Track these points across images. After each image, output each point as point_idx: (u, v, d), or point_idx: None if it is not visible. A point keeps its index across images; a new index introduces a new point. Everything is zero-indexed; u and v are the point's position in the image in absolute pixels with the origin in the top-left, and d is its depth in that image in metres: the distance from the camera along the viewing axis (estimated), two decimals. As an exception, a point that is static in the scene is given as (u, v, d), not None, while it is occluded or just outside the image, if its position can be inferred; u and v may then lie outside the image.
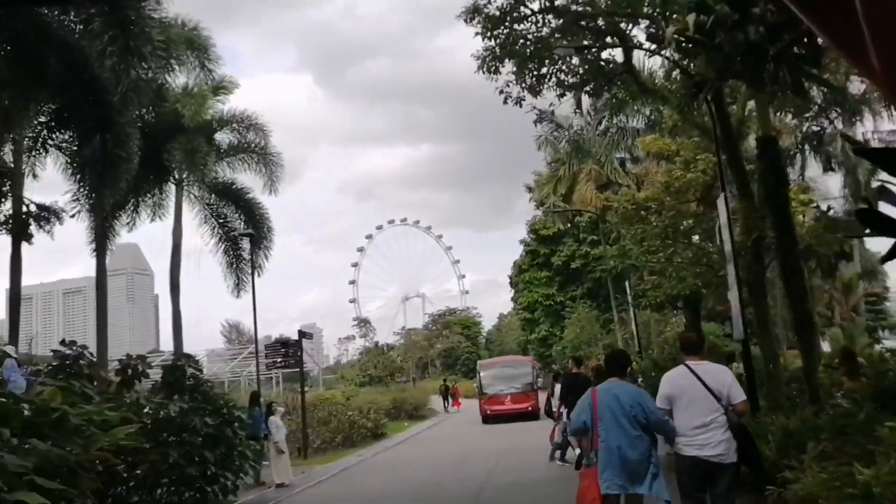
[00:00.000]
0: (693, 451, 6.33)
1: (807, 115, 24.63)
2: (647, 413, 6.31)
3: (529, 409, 29.18)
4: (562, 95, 19.36)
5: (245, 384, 71.87)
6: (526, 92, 18.33)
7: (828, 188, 30.24)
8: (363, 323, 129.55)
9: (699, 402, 6.33)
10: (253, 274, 23.15)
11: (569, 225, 42.75)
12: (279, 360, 22.52)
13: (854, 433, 8.95)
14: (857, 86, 31.64)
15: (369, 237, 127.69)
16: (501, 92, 18.32)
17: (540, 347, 53.12)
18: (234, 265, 24.80)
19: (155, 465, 11.16)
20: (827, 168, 29.37)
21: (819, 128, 28.02)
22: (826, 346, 35.89)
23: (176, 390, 12.59)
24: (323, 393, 32.13)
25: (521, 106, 18.83)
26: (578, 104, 36.38)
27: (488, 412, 29.86)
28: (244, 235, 23.25)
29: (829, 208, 26.36)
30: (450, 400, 45.02)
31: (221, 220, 24.66)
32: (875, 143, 30.92)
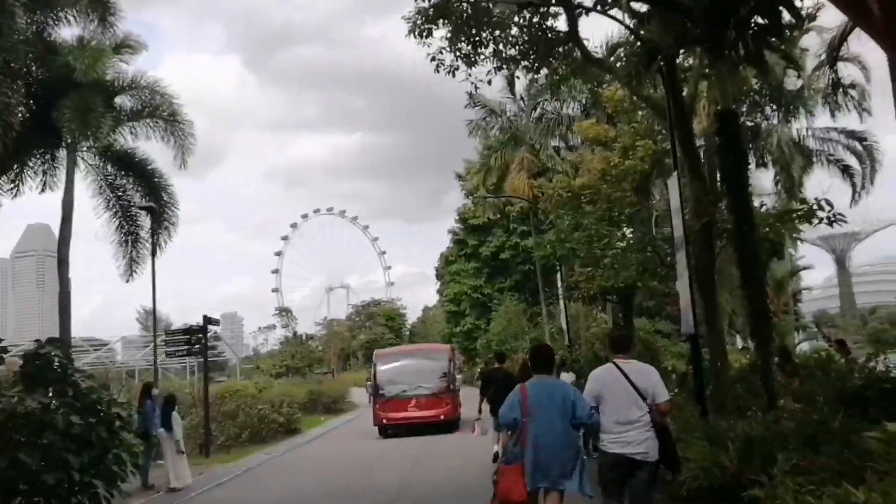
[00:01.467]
0: (617, 448, 6.37)
1: (742, 109, 24.07)
2: (576, 409, 6.37)
3: (443, 416, 21.51)
4: (499, 68, 17.73)
5: (159, 374, 68.64)
6: (460, 61, 16.76)
7: (761, 185, 29.83)
8: (284, 312, 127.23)
9: (625, 401, 6.41)
10: (154, 254, 20.92)
11: (499, 215, 41.50)
12: (181, 348, 20.37)
13: (828, 443, 7.80)
14: (793, 81, 31.45)
15: (294, 226, 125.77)
16: (433, 59, 16.69)
17: (465, 341, 51.91)
18: (129, 243, 22.33)
19: (1, 472, 9.14)
20: (760, 164, 28.96)
21: (753, 122, 27.58)
22: (738, 343, 35.98)
23: (38, 383, 10.51)
24: (233, 384, 29.94)
25: (454, 76, 17.20)
26: (511, 86, 35.53)
27: (384, 421, 21.97)
28: (144, 209, 20.90)
29: (762, 204, 25.88)
30: (376, 392, 43.20)
31: (118, 193, 22.15)
32: (811, 141, 30.76)
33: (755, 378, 12.76)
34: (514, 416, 6.55)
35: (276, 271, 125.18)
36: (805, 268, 38.53)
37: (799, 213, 12.55)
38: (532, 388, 6.58)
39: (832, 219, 11.75)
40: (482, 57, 16.78)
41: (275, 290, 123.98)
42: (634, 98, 16.81)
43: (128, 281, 23.17)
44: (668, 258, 13.61)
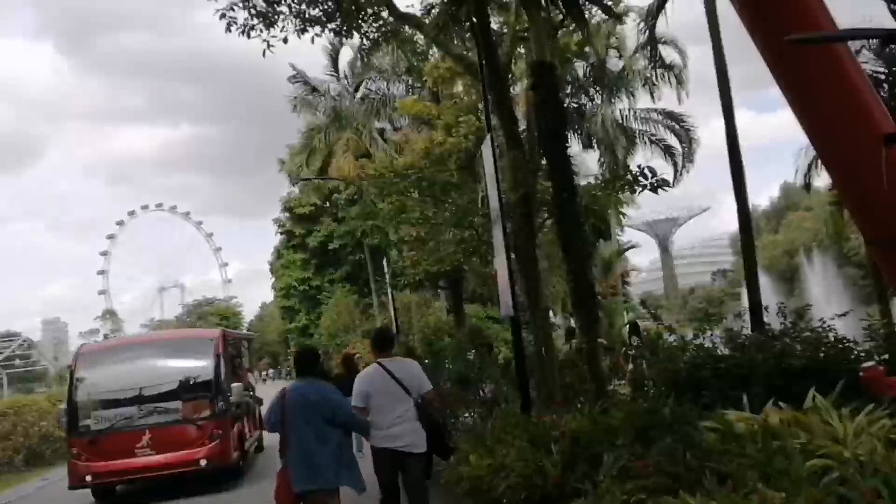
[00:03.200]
0: (386, 443, 6.65)
1: (567, 91, 23.66)
2: (334, 409, 6.46)
3: (204, 460, 11.96)
4: (302, 30, 15.69)
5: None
6: (256, 20, 14.70)
7: (587, 166, 29.76)
8: (108, 315, 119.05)
9: (392, 397, 6.66)
10: None
11: (327, 203, 39.42)
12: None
13: (661, 438, 6.61)
14: (615, 62, 31.64)
15: (120, 223, 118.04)
16: (223, 16, 14.52)
17: (301, 337, 49.42)
18: None
19: None
20: (587, 145, 28.87)
21: (577, 104, 27.39)
22: (572, 324, 36.36)
23: None
24: (19, 399, 26.10)
25: (248, 36, 15.03)
26: (334, 64, 33.61)
27: (88, 479, 11.99)
28: None
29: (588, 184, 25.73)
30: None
31: None
32: (634, 122, 31.05)
33: (584, 364, 11.74)
34: (273, 420, 6.62)
35: (102, 272, 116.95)
36: (632, 246, 39.38)
37: (623, 181, 11.63)
38: (292, 392, 6.61)
39: (656, 184, 10.84)
40: (281, 17, 14.84)
41: (102, 293, 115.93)
42: (450, 62, 15.45)
43: None
44: (485, 235, 12.38)
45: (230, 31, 14.62)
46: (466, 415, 10.73)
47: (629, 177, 11.77)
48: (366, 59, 21.57)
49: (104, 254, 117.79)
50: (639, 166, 11.33)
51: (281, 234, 49.39)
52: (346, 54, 34.22)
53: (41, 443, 19.51)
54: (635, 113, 30.53)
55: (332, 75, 33.03)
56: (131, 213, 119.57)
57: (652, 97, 30.58)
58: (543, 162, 11.98)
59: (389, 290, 27.04)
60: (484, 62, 10.97)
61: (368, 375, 6.88)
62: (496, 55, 11.74)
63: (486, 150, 10.46)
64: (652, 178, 11.34)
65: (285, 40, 14.20)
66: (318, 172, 32.66)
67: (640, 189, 11.49)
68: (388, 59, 28.32)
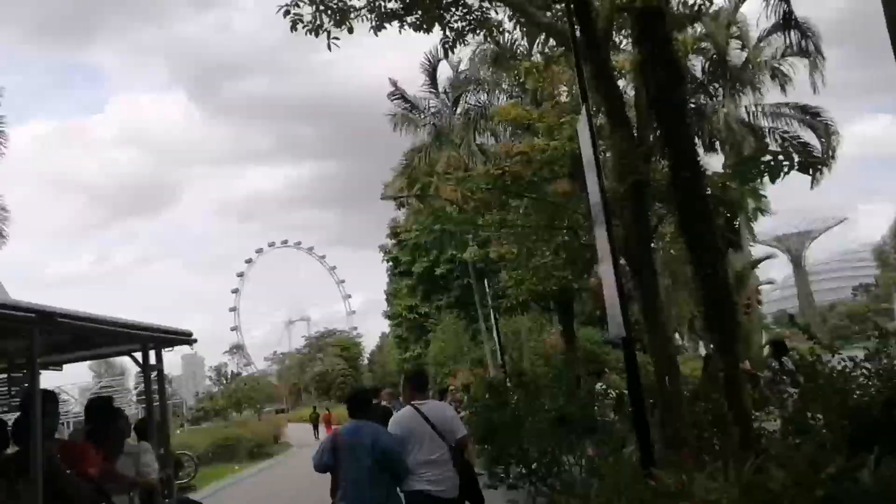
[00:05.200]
0: (422, 485, 6.56)
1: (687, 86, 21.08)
2: (386, 452, 6.42)
3: None
4: (379, 28, 13.96)
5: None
6: (326, 17, 13.09)
7: (711, 170, 26.78)
8: (236, 349, 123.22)
9: (426, 441, 6.61)
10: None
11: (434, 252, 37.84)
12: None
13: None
14: (738, 54, 28.51)
15: (249, 261, 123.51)
16: (287, 13, 12.98)
17: (416, 367, 47.98)
18: None
19: None
20: (709, 148, 25.98)
21: (695, 104, 24.65)
22: (702, 349, 32.51)
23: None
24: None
25: (316, 35, 13.42)
26: (432, 79, 32.16)
27: None
28: None
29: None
30: (321, 429, 39.29)
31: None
32: (762, 118, 27.81)
33: (719, 394, 9.24)
34: (324, 461, 6.64)
35: (233, 309, 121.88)
36: (767, 257, 35.47)
37: (762, 162, 9.08)
38: (345, 433, 6.67)
39: (807, 163, 8.30)
40: (353, 14, 13.16)
41: (234, 329, 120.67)
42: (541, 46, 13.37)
43: None
44: (587, 237, 10.10)
45: (295, 30, 13.10)
46: (567, 465, 8.52)
47: (769, 157, 9.21)
48: (459, 69, 19.83)
49: (235, 291, 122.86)
50: (782, 140, 8.81)
51: (387, 261, 48.29)
52: (444, 70, 32.84)
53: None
54: (763, 108, 27.36)
55: (430, 91, 31.62)
56: (259, 251, 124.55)
57: (782, 90, 27.36)
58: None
59: (492, 315, 24.89)
60: (573, 24, 8.85)
61: (403, 419, 6.81)
62: (590, 18, 9.58)
63: (582, 127, 8.28)
64: (802, 157, 8.82)
65: (350, 29, 12.55)
66: (421, 192, 31.14)
67: (785, 172, 8.92)
68: (486, 67, 26.65)
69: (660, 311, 8.90)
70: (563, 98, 21.85)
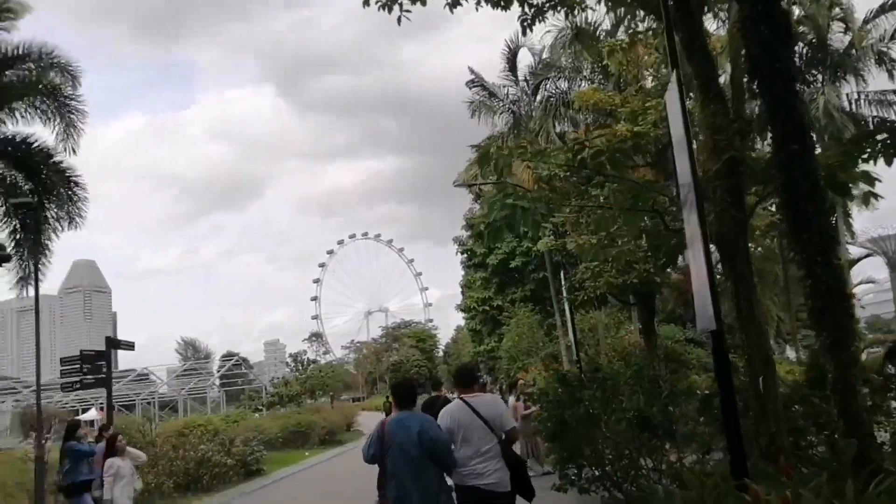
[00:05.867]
0: (472, 480, 6.46)
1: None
2: (434, 443, 6.33)
3: None
4: (455, 4, 13.35)
5: (186, 405, 65.37)
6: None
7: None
8: (315, 337, 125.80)
9: (476, 434, 6.51)
10: (36, 259, 16.97)
11: (506, 234, 36.93)
12: (76, 377, 16.22)
13: None
14: (840, 37, 26.66)
15: (330, 252, 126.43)
16: (362, -12, 12.45)
17: (490, 360, 47.19)
18: (22, 249, 18.27)
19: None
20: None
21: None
22: (790, 353, 30.53)
23: None
24: (196, 419, 25.86)
25: (389, 11, 12.90)
26: (511, 66, 31.36)
27: None
28: (20, 206, 16.76)
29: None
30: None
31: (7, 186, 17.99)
32: (865, 106, 25.97)
33: (820, 399, 8.33)
34: (372, 452, 6.52)
35: (314, 298, 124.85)
36: (868, 254, 33.13)
37: (878, 141, 8.02)
38: (391, 424, 6.52)
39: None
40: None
41: (315, 318, 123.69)
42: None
43: (19, 294, 19.07)
44: (675, 221, 9.18)
45: (368, 4, 12.59)
46: (645, 471, 7.74)
47: (885, 136, 8.15)
48: (541, 56, 18.96)
49: (316, 281, 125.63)
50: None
51: (461, 253, 47.55)
52: (524, 58, 31.99)
53: (198, 467, 18.50)
54: (867, 96, 25.50)
55: (509, 78, 30.83)
56: (340, 242, 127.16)
57: (890, 76, 25.43)
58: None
59: (567, 307, 23.94)
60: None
61: (453, 412, 6.71)
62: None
63: (672, 99, 7.46)
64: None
65: (423, 1, 11.94)
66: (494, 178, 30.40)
67: (905, 150, 7.85)
68: (566, 53, 25.71)
69: (755, 303, 8.00)
70: (649, 83, 20.82)
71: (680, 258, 18.65)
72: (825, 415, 8.37)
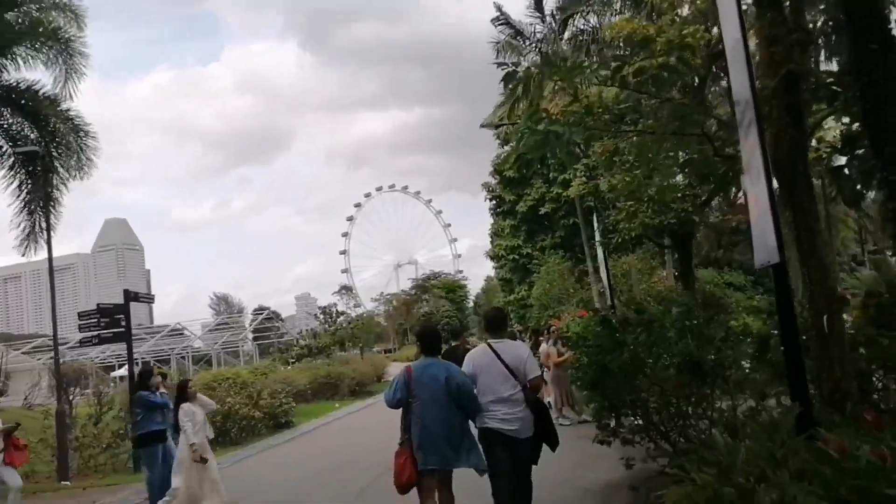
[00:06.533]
0: (495, 423, 6.44)
1: None
2: (460, 388, 6.42)
3: None
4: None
5: (220, 358, 66.02)
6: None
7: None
8: (345, 290, 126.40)
9: (498, 378, 6.46)
10: (47, 209, 16.52)
11: (538, 165, 35.79)
12: (94, 331, 15.84)
13: None
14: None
15: (358, 206, 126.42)
16: None
17: (520, 309, 46.54)
18: (29, 203, 17.74)
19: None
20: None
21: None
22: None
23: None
24: (223, 372, 25.65)
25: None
26: (538, 3, 29.97)
27: None
28: (22, 154, 16.18)
29: None
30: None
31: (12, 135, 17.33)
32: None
33: (890, 340, 7.56)
34: (398, 397, 6.56)
35: (343, 252, 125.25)
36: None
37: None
38: (417, 369, 6.59)
39: None
40: None
41: (344, 271, 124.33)
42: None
43: (23, 255, 18.67)
44: (728, 147, 8.23)
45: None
46: (694, 420, 7.03)
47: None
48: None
49: (345, 234, 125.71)
50: None
51: (489, 199, 46.55)
52: (552, -7, 30.49)
53: (224, 422, 18.25)
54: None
55: (535, 16, 29.47)
56: (367, 195, 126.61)
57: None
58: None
59: (599, 250, 23.07)
60: None
61: (476, 356, 6.73)
62: None
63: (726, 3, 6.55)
64: None
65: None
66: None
67: None
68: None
69: (817, 234, 7.18)
70: (685, 11, 19.56)
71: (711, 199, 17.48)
72: (893, 357, 7.61)
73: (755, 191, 6.46)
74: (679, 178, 15.02)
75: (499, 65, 30.81)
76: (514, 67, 26.59)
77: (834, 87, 7.21)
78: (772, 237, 6.03)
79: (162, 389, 11.35)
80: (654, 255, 29.41)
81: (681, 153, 9.27)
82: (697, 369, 6.74)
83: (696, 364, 6.71)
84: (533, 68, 22.88)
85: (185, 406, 9.85)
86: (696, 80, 16.16)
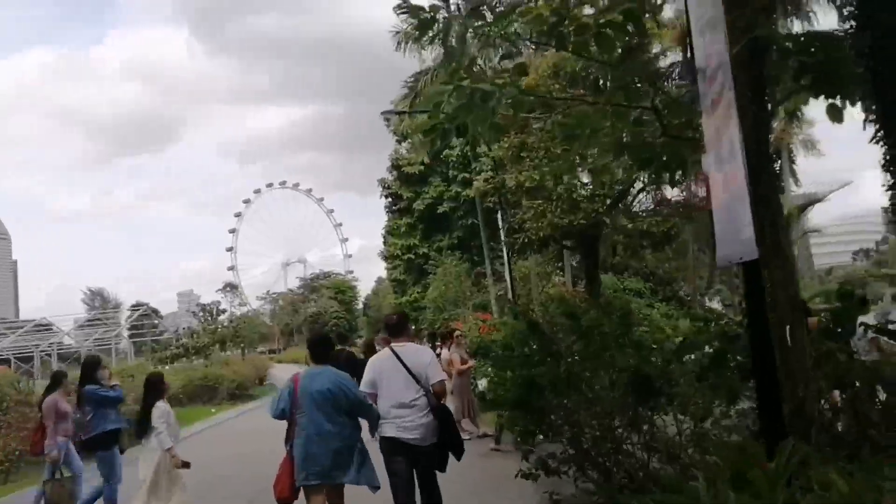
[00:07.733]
0: (393, 431, 6.21)
1: None
2: (348, 397, 6.23)
3: None
4: None
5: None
6: None
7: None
8: (229, 288, 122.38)
9: (399, 384, 6.26)
10: None
11: (455, 137, 34.68)
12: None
13: None
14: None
15: (247, 202, 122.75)
16: None
17: (413, 311, 45.22)
18: None
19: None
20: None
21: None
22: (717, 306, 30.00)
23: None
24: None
25: None
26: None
27: None
28: None
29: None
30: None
31: None
32: None
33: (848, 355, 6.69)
34: (281, 408, 6.41)
35: (230, 249, 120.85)
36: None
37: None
38: (304, 379, 6.41)
39: None
40: None
41: (230, 268, 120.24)
42: None
43: None
44: (678, 121, 7.17)
45: None
46: (635, 449, 5.84)
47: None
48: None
49: (232, 231, 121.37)
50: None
51: (385, 196, 44.99)
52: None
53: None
54: None
55: (441, 2, 28.29)
56: (257, 192, 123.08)
57: None
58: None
59: (505, 253, 22.05)
60: None
61: (378, 361, 6.50)
62: None
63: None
64: None
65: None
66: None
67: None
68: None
69: (781, 230, 6.16)
70: None
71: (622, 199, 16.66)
72: (848, 374, 6.71)
73: (723, 173, 5.41)
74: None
75: (405, 10, 29.39)
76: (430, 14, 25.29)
77: (801, 59, 6.21)
78: (747, 229, 4.98)
79: (114, 382, 10.14)
80: (552, 260, 28.79)
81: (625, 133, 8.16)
82: (646, 386, 5.53)
83: (645, 380, 5.49)
84: (455, 24, 21.52)
85: (160, 405, 8.35)
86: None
